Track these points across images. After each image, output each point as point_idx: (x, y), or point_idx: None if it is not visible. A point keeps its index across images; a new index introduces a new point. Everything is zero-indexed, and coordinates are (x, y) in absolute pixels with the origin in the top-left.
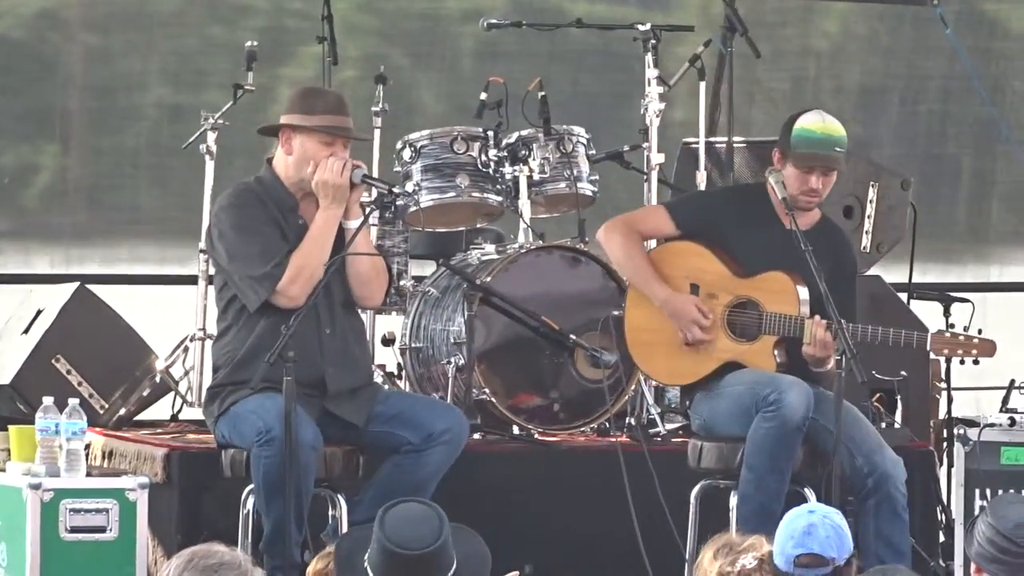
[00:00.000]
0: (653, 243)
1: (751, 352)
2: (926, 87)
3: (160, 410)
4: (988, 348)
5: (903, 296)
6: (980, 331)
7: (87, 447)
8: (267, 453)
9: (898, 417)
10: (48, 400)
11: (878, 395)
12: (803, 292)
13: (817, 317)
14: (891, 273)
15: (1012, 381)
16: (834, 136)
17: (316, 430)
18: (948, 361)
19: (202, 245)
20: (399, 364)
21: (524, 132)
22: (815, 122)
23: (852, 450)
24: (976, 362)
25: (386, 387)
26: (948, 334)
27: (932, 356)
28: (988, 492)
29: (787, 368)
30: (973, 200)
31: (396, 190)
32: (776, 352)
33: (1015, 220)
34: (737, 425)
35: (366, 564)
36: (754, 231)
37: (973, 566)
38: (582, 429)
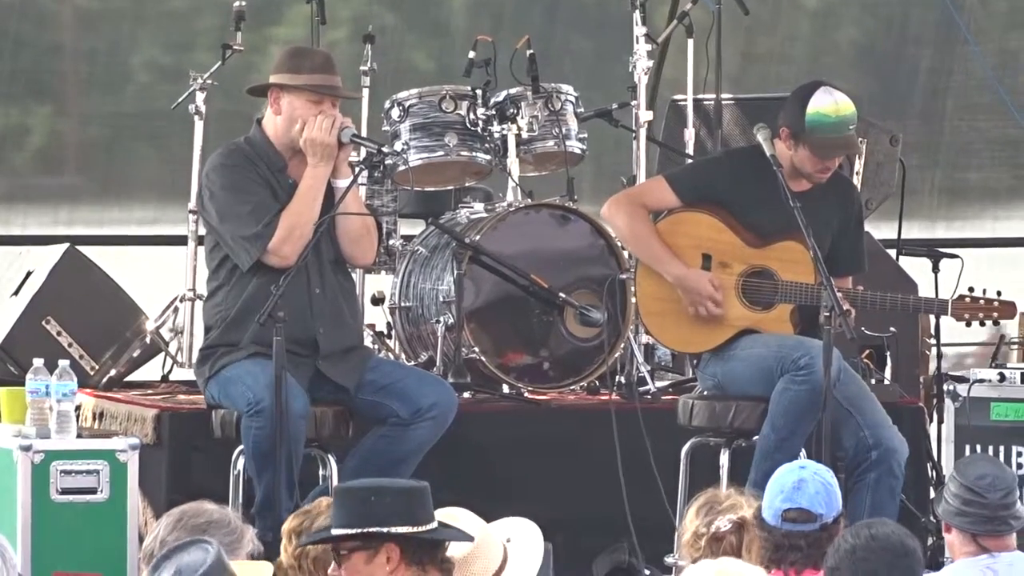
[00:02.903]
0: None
1: (767, 320)
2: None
3: (150, 371)
4: (1009, 310)
5: (892, 252)
6: (999, 293)
7: (77, 408)
8: (257, 424)
9: (888, 373)
10: (38, 362)
11: (868, 351)
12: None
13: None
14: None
15: (1002, 337)
16: (846, 116)
17: (305, 399)
18: (968, 324)
19: (192, 206)
20: (389, 323)
21: (512, 90)
22: (828, 105)
23: (860, 423)
24: (996, 323)
25: (379, 353)
26: (968, 299)
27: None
28: (978, 448)
29: (802, 334)
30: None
31: (385, 149)
32: (793, 319)
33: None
34: (757, 386)
35: None
36: (760, 194)
37: (943, 525)
38: (572, 387)
